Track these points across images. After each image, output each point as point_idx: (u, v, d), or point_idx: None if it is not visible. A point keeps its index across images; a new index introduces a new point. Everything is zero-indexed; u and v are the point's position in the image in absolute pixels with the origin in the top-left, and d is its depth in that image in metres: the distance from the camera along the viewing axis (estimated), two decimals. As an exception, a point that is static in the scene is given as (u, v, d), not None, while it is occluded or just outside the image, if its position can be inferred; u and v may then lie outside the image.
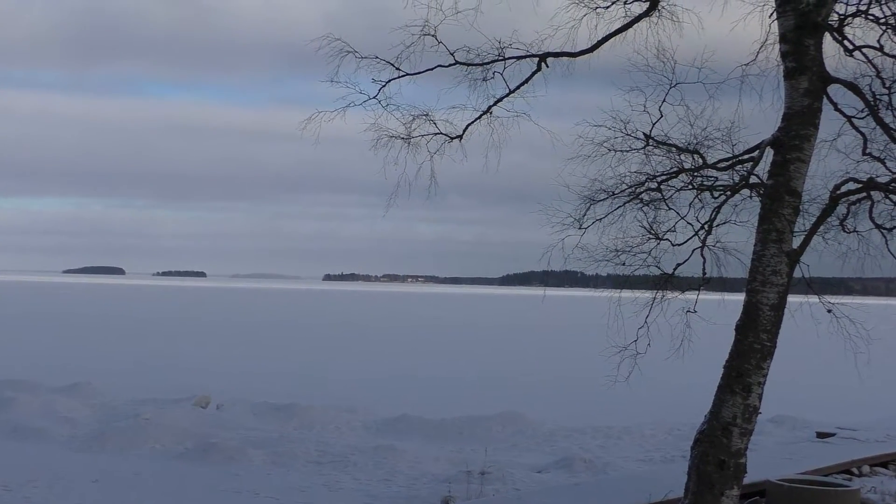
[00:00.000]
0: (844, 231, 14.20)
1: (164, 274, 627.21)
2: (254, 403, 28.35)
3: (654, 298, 15.08)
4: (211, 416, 26.32)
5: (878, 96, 13.35)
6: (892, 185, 13.47)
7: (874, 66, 13.47)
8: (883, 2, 13.42)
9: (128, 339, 61.30)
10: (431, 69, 15.02)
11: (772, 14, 13.68)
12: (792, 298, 13.35)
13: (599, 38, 14.52)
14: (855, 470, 19.01)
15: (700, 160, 14.42)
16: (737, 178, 14.11)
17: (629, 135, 14.71)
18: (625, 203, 14.81)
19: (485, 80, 15.01)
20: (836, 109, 13.54)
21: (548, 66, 14.79)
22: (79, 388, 30.07)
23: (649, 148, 14.69)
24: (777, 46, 13.42)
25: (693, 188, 14.68)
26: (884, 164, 13.75)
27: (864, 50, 13.54)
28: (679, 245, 14.96)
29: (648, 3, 14.45)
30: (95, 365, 42.18)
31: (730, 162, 14.19)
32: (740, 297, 13.25)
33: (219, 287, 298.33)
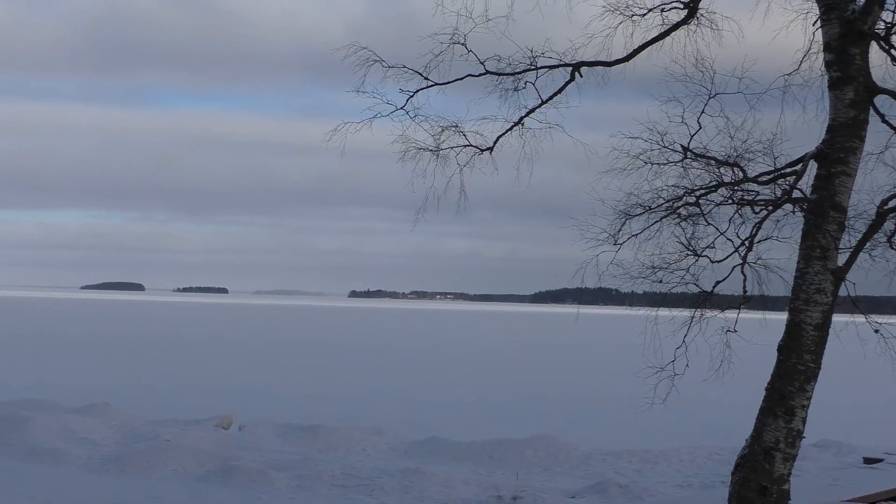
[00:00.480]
0: (892, 248, 14.09)
1: (185, 290, 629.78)
2: (277, 424, 28.37)
3: (693, 317, 15.02)
4: (233, 438, 26.36)
5: (927, 107, 13.26)
6: (943, 199, 13.36)
7: (923, 75, 13.39)
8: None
9: (148, 357, 61.52)
10: (461, 79, 15.03)
11: (815, 22, 13.62)
12: (837, 318, 13.26)
13: (635, 47, 14.50)
14: (904, 497, 18.80)
15: (740, 174, 14.36)
16: (779, 193, 14.03)
17: (666, 147, 14.67)
18: (662, 218, 14.76)
19: (516, 90, 15.01)
20: (884, 121, 13.46)
21: (581, 76, 14.77)
22: (97, 408, 30.16)
23: (687, 161, 14.64)
24: (821, 55, 13.35)
25: (733, 203, 14.61)
26: (934, 177, 13.65)
27: (912, 59, 13.45)
28: (718, 262, 14.89)
29: (687, 11, 14.42)
30: (114, 384, 42.35)
31: (771, 175, 14.11)
32: (782, 317, 13.17)
33: (241, 304, 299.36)
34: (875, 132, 13.36)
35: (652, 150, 14.66)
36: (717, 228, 14.86)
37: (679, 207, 14.73)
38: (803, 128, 14.06)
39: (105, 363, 55.63)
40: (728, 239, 14.81)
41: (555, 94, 14.95)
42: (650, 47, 14.53)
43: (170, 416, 30.54)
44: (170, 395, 39.38)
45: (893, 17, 13.52)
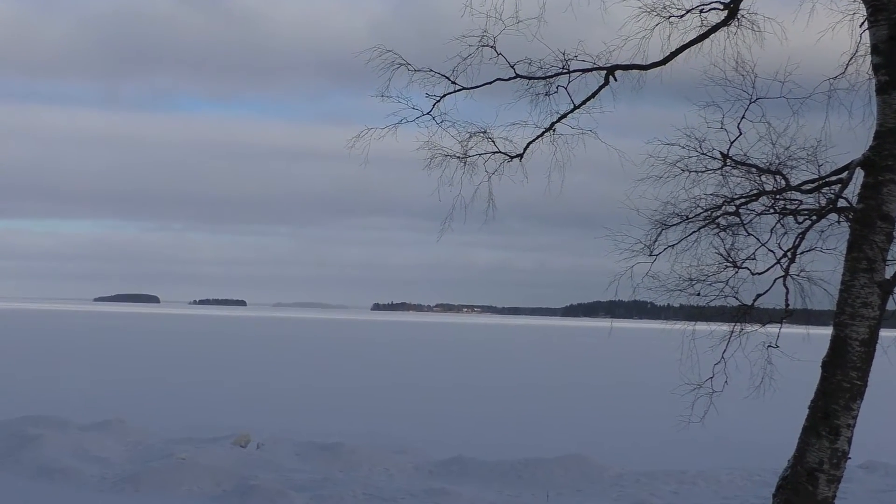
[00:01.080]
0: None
1: (202, 302, 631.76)
2: (297, 442, 28.37)
3: (732, 332, 14.98)
4: (251, 456, 26.38)
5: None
6: None
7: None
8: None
9: (163, 372, 61.70)
10: (490, 83, 15.04)
11: (863, 23, 13.56)
12: (884, 333, 13.19)
13: (673, 50, 14.49)
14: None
15: (783, 182, 14.31)
16: (823, 202, 13.98)
17: (705, 154, 14.64)
18: (700, 228, 14.74)
19: (548, 94, 15.01)
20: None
21: (616, 80, 14.77)
22: (110, 425, 30.24)
23: (727, 168, 14.61)
24: (868, 58, 13.30)
25: (775, 212, 14.57)
26: None
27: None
28: (759, 274, 14.85)
29: (727, 12, 14.39)
30: (129, 400, 42.48)
31: (816, 184, 14.06)
32: (827, 332, 13.11)
33: (260, 317, 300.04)
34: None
35: (690, 158, 14.65)
36: (758, 239, 14.82)
37: (718, 217, 14.70)
38: (849, 134, 14.02)
39: (119, 378, 55.82)
40: (770, 250, 14.77)
41: (588, 99, 14.96)
42: (688, 50, 14.52)
43: (185, 433, 30.59)
44: (186, 411, 39.47)
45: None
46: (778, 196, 14.46)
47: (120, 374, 59.14)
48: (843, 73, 14.15)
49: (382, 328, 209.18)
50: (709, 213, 14.67)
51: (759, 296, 14.90)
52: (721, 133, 14.61)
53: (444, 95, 15.16)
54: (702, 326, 15.19)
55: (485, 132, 15.36)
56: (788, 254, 14.55)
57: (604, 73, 14.72)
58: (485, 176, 15.32)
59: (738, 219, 14.70)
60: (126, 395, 45.49)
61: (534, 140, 15.26)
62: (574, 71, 14.80)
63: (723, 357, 14.79)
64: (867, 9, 13.21)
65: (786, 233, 14.66)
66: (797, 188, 14.22)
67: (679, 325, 15.45)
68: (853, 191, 13.29)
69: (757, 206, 14.65)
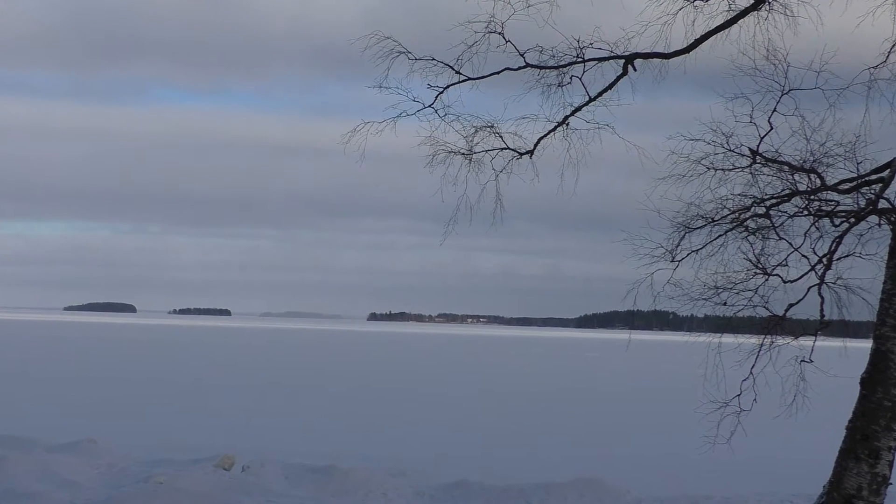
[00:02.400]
0: None
1: (183, 312, 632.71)
2: (286, 465, 28.35)
3: (762, 345, 14.98)
4: (236, 480, 26.36)
5: None
6: None
7: None
8: None
9: (139, 388, 61.73)
10: (498, 73, 15.04)
11: (906, 7, 13.55)
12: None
13: (697, 37, 14.48)
14: None
15: (818, 181, 14.30)
16: (862, 203, 13.97)
17: (732, 150, 14.65)
18: (727, 231, 14.74)
19: (560, 85, 15.01)
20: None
21: (636, 70, 14.76)
22: (82, 445, 30.23)
23: (756, 166, 14.61)
24: (912, 46, 13.28)
25: (809, 214, 14.56)
26: None
27: None
28: (792, 282, 14.85)
29: (756, -6, 14.38)
30: (101, 419, 42.48)
31: (854, 183, 14.05)
32: (866, 345, 13.09)
33: (246, 327, 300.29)
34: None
35: (716, 154, 14.66)
36: (790, 243, 14.82)
37: (747, 219, 14.71)
38: (891, 128, 14.00)
39: (90, 394, 55.84)
40: (803, 255, 14.77)
41: (604, 91, 14.95)
42: (714, 36, 14.51)
43: (164, 454, 30.58)
44: (164, 430, 39.46)
45: None
46: (812, 196, 14.46)
47: (92, 390, 59.16)
48: (885, 61, 14.13)
49: (380, 340, 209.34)
50: (736, 214, 14.67)
51: (791, 305, 14.89)
52: (750, 127, 14.62)
53: (448, 86, 15.17)
54: (728, 339, 15.19)
55: (492, 126, 15.37)
56: (824, 260, 14.55)
57: (622, 61, 14.71)
58: (492, 174, 15.34)
59: (769, 221, 14.70)
60: (98, 413, 45.50)
61: (545, 135, 15.26)
62: (589, 60, 14.80)
63: (751, 372, 14.79)
64: (911, -8, 13.20)
65: (821, 237, 14.67)
66: (834, 188, 14.21)
67: (704, 338, 15.45)
68: (895, 190, 13.28)
69: (789, 207, 14.65)
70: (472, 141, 15.31)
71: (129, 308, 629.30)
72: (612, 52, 14.69)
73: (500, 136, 15.36)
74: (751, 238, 14.87)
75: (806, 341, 15.03)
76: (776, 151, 14.62)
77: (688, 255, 14.95)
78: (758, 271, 14.88)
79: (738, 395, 14.69)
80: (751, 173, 14.68)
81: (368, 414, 50.00)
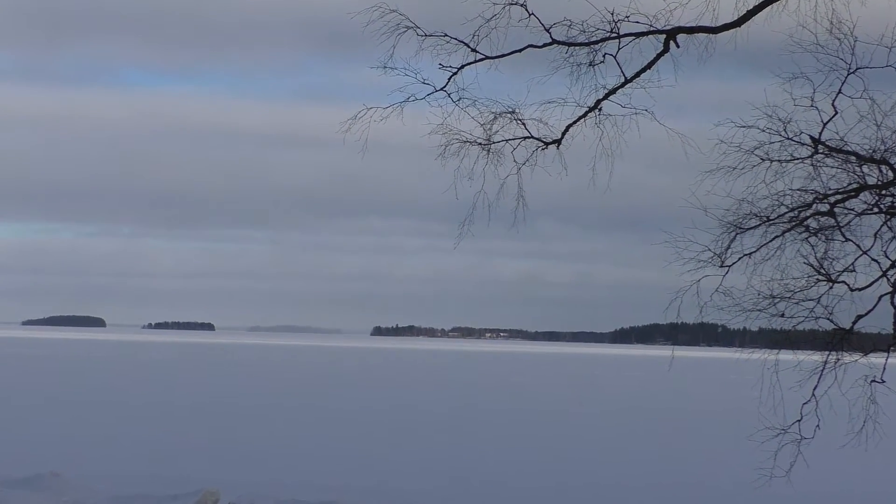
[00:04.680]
0: None
1: (159, 326, 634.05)
2: (279, 501, 28.41)
3: (826, 363, 14.97)
4: (220, 520, 26.42)
5: None
6: None
7: None
8: None
9: (109, 413, 61.83)
10: (520, 51, 15.06)
11: None
12: None
13: (750, 8, 14.46)
14: None
15: (889, 173, 14.29)
16: (942, 199, 13.96)
17: (790, 139, 14.64)
18: (784, 232, 14.73)
19: (592, 64, 15.02)
20: None
21: (678, 46, 14.76)
22: (43, 479, 30.30)
23: (819, 156, 14.61)
24: None
25: (879, 211, 14.55)
26: None
27: None
28: (860, 290, 14.83)
29: (818, -41, 14.36)
30: (66, 449, 42.55)
31: (932, 176, 14.03)
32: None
33: (231, 344, 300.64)
34: None
35: (771, 143, 14.66)
36: (857, 245, 14.80)
37: (807, 218, 14.70)
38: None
39: (53, 422, 55.94)
40: (873, 259, 14.76)
41: (642, 71, 14.95)
42: (769, 7, 14.49)
43: (138, 489, 30.64)
44: (138, 462, 39.53)
45: None
46: (883, 191, 14.45)
47: (55, 415, 59.27)
48: (967, 35, 14.12)
49: (385, 358, 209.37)
50: (796, 212, 14.67)
51: (859, 317, 14.88)
52: (811, 112, 14.61)
53: (463, 67, 15.19)
54: (787, 356, 15.19)
55: (513, 112, 15.38)
56: (897, 264, 14.53)
57: (662, 37, 14.72)
58: (513, 167, 15.35)
59: (833, 220, 14.69)
60: (63, 442, 45.56)
61: (574, 122, 15.27)
62: (625, 35, 14.80)
63: (813, 395, 14.79)
64: None
65: (894, 237, 14.64)
66: (908, 181, 14.21)
67: (758, 355, 15.45)
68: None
69: (857, 203, 14.64)
70: (490, 129, 15.33)
71: (97, 322, 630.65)
72: (651, 26, 14.70)
73: (523, 124, 15.38)
74: (812, 239, 14.87)
75: (877, 358, 15.02)
76: (841, 140, 14.61)
77: (739, 259, 14.95)
78: (820, 278, 14.87)
79: (799, 421, 14.70)
80: (812, 165, 14.67)
81: (371, 443, 50.02)
